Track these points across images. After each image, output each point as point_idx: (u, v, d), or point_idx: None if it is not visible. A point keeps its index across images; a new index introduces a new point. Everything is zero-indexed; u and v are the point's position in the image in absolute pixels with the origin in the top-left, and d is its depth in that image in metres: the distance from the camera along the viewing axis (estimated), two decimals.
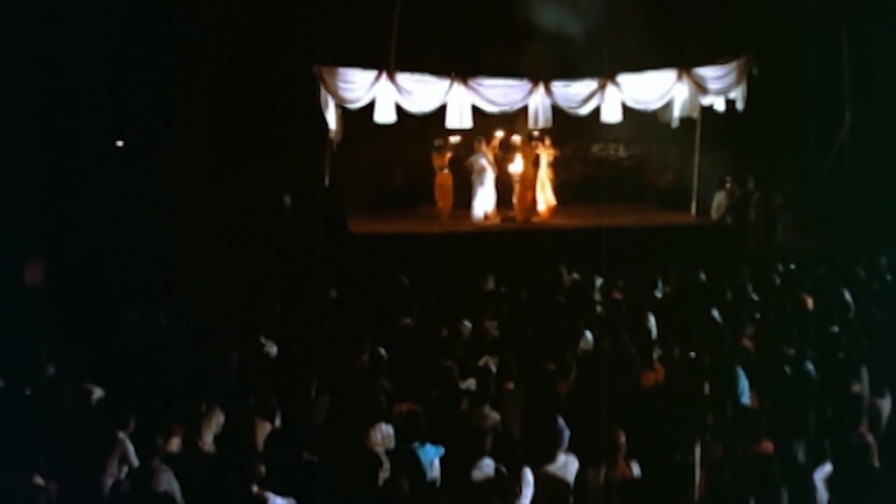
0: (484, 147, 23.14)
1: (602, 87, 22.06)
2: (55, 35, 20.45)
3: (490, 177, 23.34)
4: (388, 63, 21.28)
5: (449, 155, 23.18)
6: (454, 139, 23.40)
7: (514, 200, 23.66)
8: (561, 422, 9.27)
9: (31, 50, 19.51)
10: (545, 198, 23.82)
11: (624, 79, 22.14)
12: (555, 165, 24.14)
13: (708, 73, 22.09)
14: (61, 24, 20.56)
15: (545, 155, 23.68)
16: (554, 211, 23.95)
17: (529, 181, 23.55)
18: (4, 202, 18.34)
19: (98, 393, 10.94)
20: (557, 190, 24.27)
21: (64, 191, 20.66)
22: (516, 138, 23.93)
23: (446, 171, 23.27)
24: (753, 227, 22.66)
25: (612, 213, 23.44)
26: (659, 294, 16.38)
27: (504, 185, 23.88)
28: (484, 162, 23.10)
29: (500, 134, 23.88)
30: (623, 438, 9.10)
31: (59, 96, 20.68)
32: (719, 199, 23.62)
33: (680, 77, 22.03)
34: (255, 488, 8.36)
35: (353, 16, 22.09)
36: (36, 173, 19.26)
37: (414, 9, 22.42)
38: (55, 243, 19.29)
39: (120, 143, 24.06)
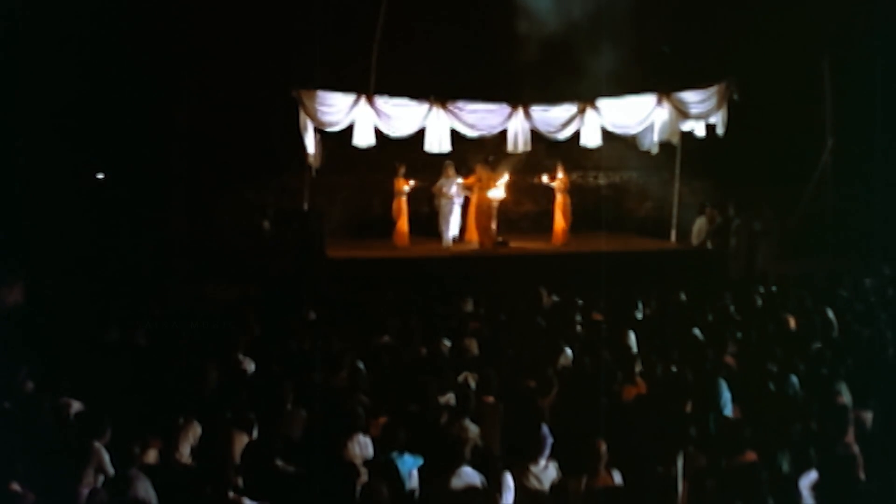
0: (452, 171, 23.02)
1: (581, 112, 21.95)
2: (33, 63, 20.38)
3: (458, 202, 23.23)
4: (367, 86, 21.21)
5: (404, 181, 23.10)
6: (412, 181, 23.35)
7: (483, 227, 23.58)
8: (545, 428, 9.19)
9: (10, 76, 19.48)
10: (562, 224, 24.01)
11: (603, 103, 22.03)
12: (570, 193, 24.23)
13: (688, 97, 21.99)
14: (38, 51, 20.47)
15: (557, 184, 23.85)
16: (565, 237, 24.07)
17: (488, 209, 23.32)
18: None
19: (76, 406, 10.85)
20: (537, 218, 24.24)
21: (45, 217, 20.55)
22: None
23: (402, 196, 23.21)
24: (734, 253, 22.60)
25: (592, 240, 23.43)
26: (639, 315, 16.29)
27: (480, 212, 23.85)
28: (453, 187, 22.97)
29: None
30: (604, 447, 9.02)
31: (39, 123, 20.58)
32: (699, 225, 23.61)
33: (660, 101, 21.94)
34: (231, 494, 8.24)
35: (333, 39, 22.01)
36: (18, 198, 19.22)
37: (393, 33, 22.45)
38: (37, 267, 19.15)
39: (100, 176, 23.94)
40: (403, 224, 23.36)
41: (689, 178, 24.81)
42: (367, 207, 26.31)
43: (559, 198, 23.97)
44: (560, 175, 23.92)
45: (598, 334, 14.48)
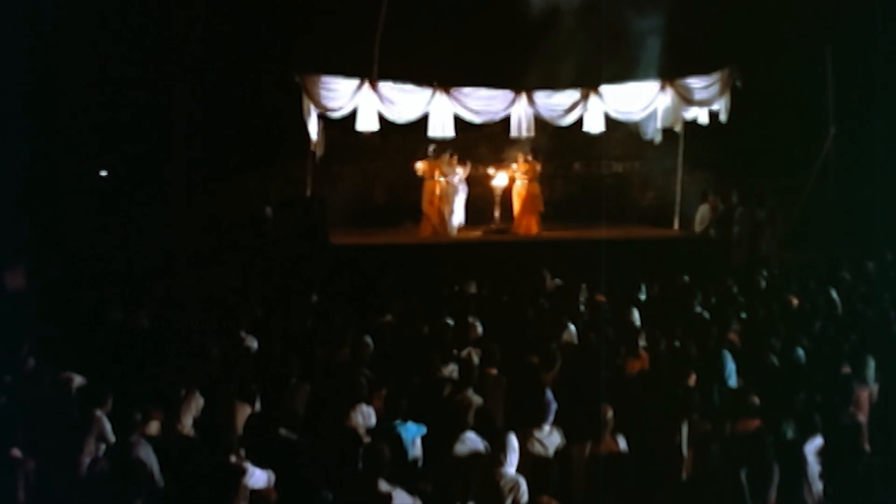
0: (455, 161, 22.84)
1: (585, 97, 21.97)
2: (37, 50, 20.41)
3: (462, 190, 23.11)
4: (370, 71, 21.17)
5: (435, 163, 22.72)
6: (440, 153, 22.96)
7: (496, 214, 23.47)
8: (549, 394, 9.22)
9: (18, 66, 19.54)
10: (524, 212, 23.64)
11: (607, 89, 22.05)
12: (539, 182, 23.88)
13: (691, 83, 21.96)
14: (41, 41, 20.51)
15: (522, 170, 23.43)
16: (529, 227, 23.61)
17: (536, 196, 23.33)
18: None
19: (79, 381, 10.86)
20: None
21: (50, 204, 20.61)
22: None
23: (434, 179, 22.76)
24: (737, 240, 22.50)
25: (595, 229, 23.35)
26: (643, 297, 16.25)
27: (484, 200, 23.79)
28: (459, 174, 22.86)
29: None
30: (609, 413, 9.03)
31: (44, 111, 20.61)
32: (702, 212, 23.51)
33: (663, 87, 21.92)
34: (233, 459, 8.24)
35: (336, 24, 21.99)
36: (25, 185, 19.29)
37: (397, 18, 22.37)
38: (42, 253, 19.22)
39: (104, 173, 23.94)
40: (435, 210, 23.15)
41: (691, 167, 24.72)
42: (370, 196, 26.28)
43: (524, 185, 23.46)
44: (520, 161, 23.40)
45: (601, 313, 14.46)
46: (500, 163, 23.60)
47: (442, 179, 22.53)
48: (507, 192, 23.40)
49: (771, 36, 22.81)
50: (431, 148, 22.43)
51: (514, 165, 23.33)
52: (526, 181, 23.30)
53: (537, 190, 23.47)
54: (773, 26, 22.83)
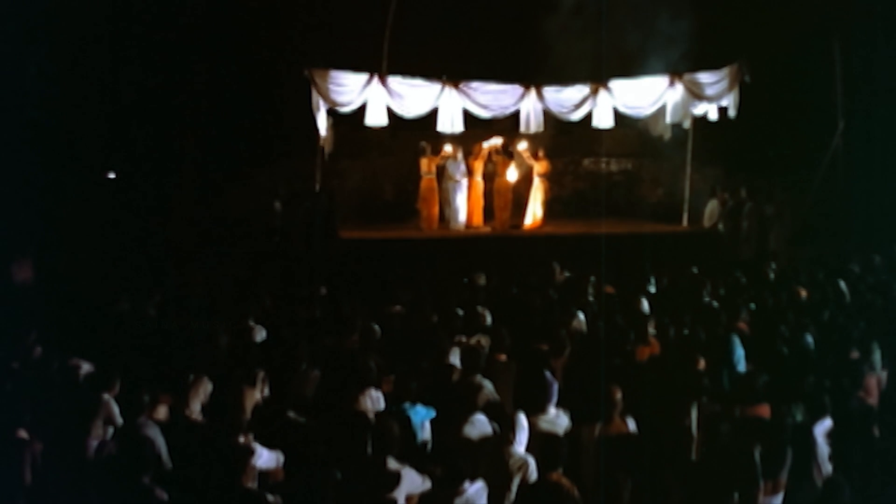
0: (460, 155, 22.92)
1: (594, 93, 21.89)
2: (44, 47, 20.44)
3: (465, 185, 23.14)
4: (379, 66, 21.17)
5: (435, 159, 22.83)
6: (445, 147, 22.98)
7: (496, 211, 23.51)
8: (549, 374, 9.24)
9: (26, 62, 19.59)
10: (533, 211, 23.65)
11: (616, 84, 21.99)
12: (547, 178, 23.86)
13: (700, 78, 21.93)
14: (49, 38, 20.54)
15: (537, 166, 23.49)
16: (540, 226, 23.68)
17: (508, 192, 23.38)
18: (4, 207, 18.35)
19: (87, 367, 10.88)
20: (548, 204, 24.00)
21: (62, 197, 20.66)
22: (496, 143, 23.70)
23: (431, 175, 22.92)
24: (746, 236, 22.50)
25: (604, 225, 23.32)
26: (652, 289, 16.25)
27: (490, 195, 23.77)
28: (461, 169, 22.97)
29: (489, 143, 23.60)
30: (619, 394, 9.03)
31: (53, 107, 20.63)
32: (711, 207, 23.55)
33: (672, 83, 21.88)
34: (241, 439, 8.26)
35: (346, 18, 21.98)
36: (35, 182, 19.34)
37: (406, 12, 22.39)
38: (54, 245, 19.29)
39: (112, 175, 23.95)
40: (434, 206, 23.17)
41: (700, 162, 24.69)
42: (379, 191, 26.25)
43: (498, 181, 23.52)
44: (540, 155, 23.62)
45: (611, 302, 14.47)
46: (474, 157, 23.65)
47: (429, 176, 22.76)
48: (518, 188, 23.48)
49: (779, 31, 22.75)
50: (422, 145, 22.53)
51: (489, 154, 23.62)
52: (498, 177, 23.44)
53: (507, 186, 23.50)
54: (781, 21, 22.76)
